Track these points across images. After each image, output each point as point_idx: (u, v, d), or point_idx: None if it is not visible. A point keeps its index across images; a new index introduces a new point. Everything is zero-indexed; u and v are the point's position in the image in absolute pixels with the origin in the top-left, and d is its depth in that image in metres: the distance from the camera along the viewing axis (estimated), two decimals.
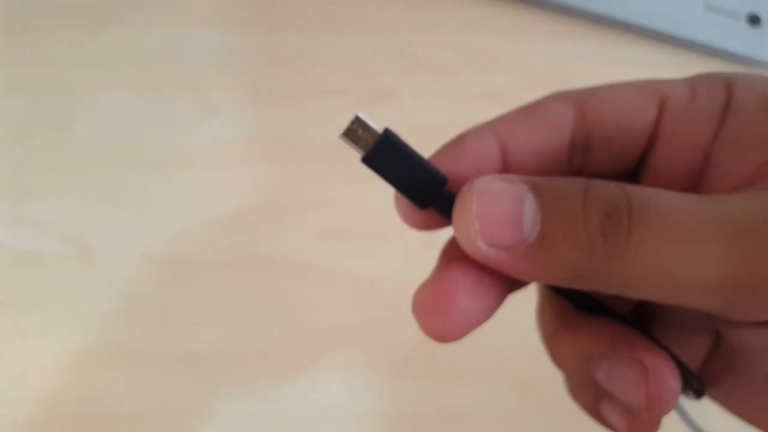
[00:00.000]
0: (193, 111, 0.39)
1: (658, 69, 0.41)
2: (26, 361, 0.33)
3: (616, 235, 0.13)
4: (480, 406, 0.33)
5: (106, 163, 0.37)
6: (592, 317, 0.17)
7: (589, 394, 0.17)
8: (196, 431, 0.32)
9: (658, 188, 0.14)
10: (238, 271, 0.35)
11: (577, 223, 0.14)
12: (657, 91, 0.17)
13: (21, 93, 0.39)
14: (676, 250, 0.13)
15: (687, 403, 0.19)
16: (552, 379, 0.20)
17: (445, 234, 0.17)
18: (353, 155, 0.16)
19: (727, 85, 0.17)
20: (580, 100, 0.17)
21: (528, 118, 0.17)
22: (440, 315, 0.15)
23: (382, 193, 0.18)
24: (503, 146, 0.17)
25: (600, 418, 0.18)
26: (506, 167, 0.17)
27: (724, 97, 0.17)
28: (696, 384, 0.18)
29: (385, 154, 0.15)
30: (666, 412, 0.16)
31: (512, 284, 0.16)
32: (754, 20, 0.41)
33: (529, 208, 0.14)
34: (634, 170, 0.18)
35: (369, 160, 0.15)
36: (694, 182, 0.17)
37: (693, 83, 0.17)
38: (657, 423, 0.17)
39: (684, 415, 0.21)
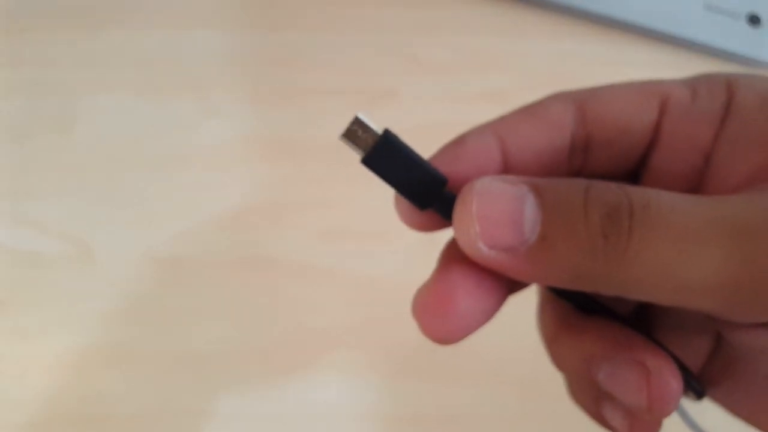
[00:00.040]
0: (193, 111, 0.39)
1: (658, 69, 0.41)
2: (26, 361, 0.33)
3: (617, 236, 0.13)
4: (480, 406, 0.33)
5: (106, 163, 0.37)
6: (593, 318, 0.17)
7: (590, 396, 0.17)
8: (196, 431, 0.32)
9: (658, 189, 0.14)
10: (238, 271, 0.35)
11: (577, 224, 0.14)
12: (657, 92, 0.17)
13: (21, 93, 0.39)
14: (677, 251, 0.13)
15: (688, 404, 0.19)
16: (552, 380, 0.20)
17: (445, 234, 0.17)
18: (353, 155, 0.16)
19: (728, 86, 0.17)
20: (581, 100, 0.17)
21: (528, 118, 0.17)
22: (440, 317, 0.15)
23: (382, 193, 0.18)
24: (504, 147, 0.17)
25: (601, 419, 0.17)
26: (507, 168, 0.17)
27: (724, 97, 0.17)
28: (697, 385, 0.17)
29: (385, 155, 0.15)
30: (668, 413, 0.16)
31: (512, 285, 0.16)
32: (754, 20, 0.41)
33: (530, 209, 0.14)
34: (634, 171, 0.18)
35: (369, 161, 0.15)
36: (695, 183, 0.17)
37: (693, 84, 0.17)
38: (658, 424, 0.17)
39: (685, 416, 0.21)
